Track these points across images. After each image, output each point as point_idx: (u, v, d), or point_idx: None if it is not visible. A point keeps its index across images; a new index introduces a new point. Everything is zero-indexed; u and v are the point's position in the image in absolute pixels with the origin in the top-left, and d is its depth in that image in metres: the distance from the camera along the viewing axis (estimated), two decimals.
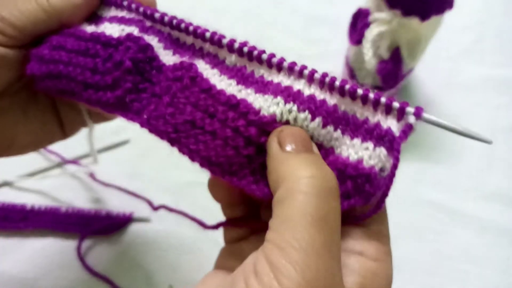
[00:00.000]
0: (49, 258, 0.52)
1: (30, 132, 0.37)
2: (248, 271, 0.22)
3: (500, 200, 0.58)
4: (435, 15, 0.51)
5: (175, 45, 0.32)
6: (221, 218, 0.35)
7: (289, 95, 0.26)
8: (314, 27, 0.71)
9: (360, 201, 0.25)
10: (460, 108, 0.65)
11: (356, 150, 0.26)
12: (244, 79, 0.29)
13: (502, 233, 0.56)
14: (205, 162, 0.28)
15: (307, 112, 0.26)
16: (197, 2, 0.73)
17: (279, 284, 0.20)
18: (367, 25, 0.54)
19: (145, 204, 0.56)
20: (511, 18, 0.73)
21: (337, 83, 0.26)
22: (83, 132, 0.43)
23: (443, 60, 0.69)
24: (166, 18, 0.32)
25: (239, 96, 0.28)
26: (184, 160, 0.28)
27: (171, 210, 0.53)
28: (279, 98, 0.26)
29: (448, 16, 0.54)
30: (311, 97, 0.26)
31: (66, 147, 0.42)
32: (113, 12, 0.34)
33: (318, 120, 0.26)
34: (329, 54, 0.68)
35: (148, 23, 0.33)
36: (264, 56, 0.28)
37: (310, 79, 0.27)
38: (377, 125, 0.26)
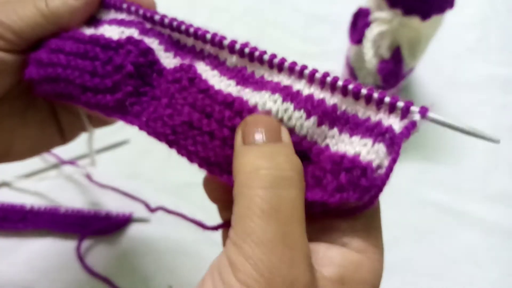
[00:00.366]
0: (48, 259, 0.52)
1: (29, 138, 0.37)
2: (213, 271, 0.22)
3: (506, 201, 0.57)
4: (435, 14, 0.50)
5: (175, 47, 0.32)
6: (220, 218, 0.35)
7: (288, 94, 0.26)
8: (314, 26, 0.71)
9: (354, 196, 0.24)
10: (464, 107, 0.64)
11: (354, 146, 0.25)
12: (244, 79, 0.28)
13: (507, 235, 0.55)
14: (203, 163, 0.28)
15: (302, 110, 0.26)
16: (197, 2, 0.73)
17: (236, 280, 0.21)
18: (367, 24, 0.53)
19: (144, 205, 0.56)
20: None
21: (340, 82, 0.26)
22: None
23: (447, 59, 0.68)
24: (166, 20, 0.31)
25: (236, 95, 0.28)
26: (184, 160, 0.28)
27: (169, 211, 0.53)
28: (277, 96, 0.26)
29: (452, 14, 0.53)
30: (309, 97, 0.26)
31: (65, 147, 0.42)
32: (112, 15, 0.34)
33: (313, 119, 0.26)
34: (329, 53, 0.67)
35: (148, 25, 0.32)
36: (266, 57, 0.28)
37: (311, 79, 0.26)
38: (379, 123, 0.25)
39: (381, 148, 0.24)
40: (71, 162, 0.59)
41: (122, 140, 0.61)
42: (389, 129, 0.24)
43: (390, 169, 0.23)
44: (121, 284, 0.51)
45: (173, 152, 0.29)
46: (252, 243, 0.21)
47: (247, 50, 0.28)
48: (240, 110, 0.26)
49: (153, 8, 0.35)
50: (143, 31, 0.32)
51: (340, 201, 0.24)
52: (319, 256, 0.24)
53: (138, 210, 0.56)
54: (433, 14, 0.50)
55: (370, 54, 0.52)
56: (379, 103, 0.25)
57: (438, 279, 0.53)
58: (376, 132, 0.25)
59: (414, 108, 0.24)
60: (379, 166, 0.24)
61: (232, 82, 0.28)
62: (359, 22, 0.55)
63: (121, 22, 0.33)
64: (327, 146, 0.26)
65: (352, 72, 0.59)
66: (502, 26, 0.71)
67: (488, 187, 0.58)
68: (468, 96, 0.65)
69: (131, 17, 0.33)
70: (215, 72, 0.29)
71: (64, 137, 0.40)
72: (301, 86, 0.26)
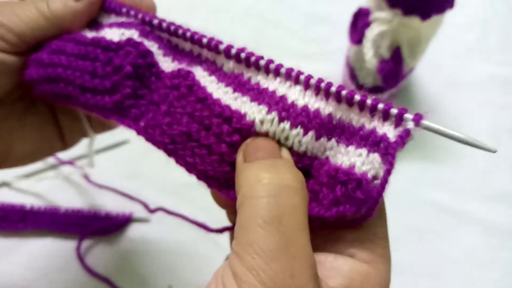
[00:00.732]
0: (48, 259, 0.52)
1: (29, 142, 0.37)
2: (217, 281, 0.22)
3: (505, 201, 0.57)
4: (435, 14, 0.50)
5: (174, 51, 0.32)
6: (221, 218, 0.35)
7: (284, 108, 0.26)
8: (314, 26, 0.71)
9: (351, 209, 0.24)
10: (464, 107, 0.64)
11: (349, 157, 0.25)
12: (241, 86, 0.28)
13: (507, 235, 0.55)
14: (202, 176, 0.28)
15: (299, 127, 0.26)
16: (197, 2, 0.73)
17: None
18: (367, 24, 0.53)
19: (143, 206, 0.56)
20: None
21: (333, 89, 0.26)
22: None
23: (447, 59, 0.68)
24: (164, 25, 0.31)
25: (234, 105, 0.27)
26: None
27: (168, 212, 0.52)
28: (273, 114, 0.26)
29: (452, 14, 0.53)
30: (305, 109, 0.26)
31: None
32: (113, 19, 0.34)
33: (311, 133, 0.26)
34: (329, 53, 0.67)
35: (148, 28, 0.33)
36: (262, 62, 0.28)
37: (306, 85, 0.26)
38: (373, 131, 0.25)
39: (376, 158, 0.24)
40: (70, 162, 0.59)
41: (122, 140, 0.60)
42: (384, 137, 0.24)
43: (385, 180, 0.23)
44: (121, 284, 0.51)
45: None
46: (254, 254, 0.21)
47: (243, 55, 0.28)
48: (239, 127, 0.27)
49: (153, 11, 0.35)
50: (143, 33, 0.32)
51: (337, 215, 0.24)
52: (326, 267, 0.24)
53: (138, 210, 0.56)
54: (433, 14, 0.50)
55: (370, 54, 0.52)
56: (373, 110, 0.25)
57: (438, 279, 0.53)
58: (371, 141, 0.25)
59: (408, 116, 0.24)
60: (374, 177, 0.24)
61: (229, 89, 0.28)
62: (359, 22, 0.55)
63: (121, 24, 0.33)
64: (327, 158, 0.26)
65: (352, 72, 0.59)
66: (502, 26, 0.71)
67: (488, 187, 0.58)
68: (468, 96, 0.65)
69: (131, 19, 0.33)
70: (213, 78, 0.29)
71: (65, 142, 0.40)
72: (296, 95, 0.26)
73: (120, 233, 0.54)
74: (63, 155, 0.59)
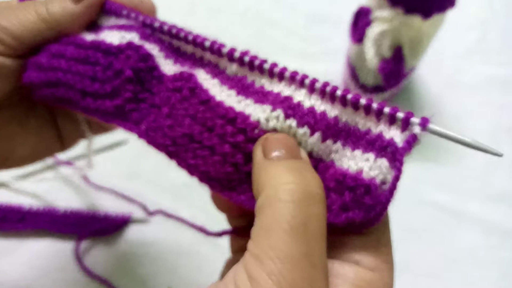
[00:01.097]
0: (46, 260, 0.52)
1: (28, 145, 0.37)
2: (229, 283, 0.22)
3: (506, 201, 0.58)
4: (437, 13, 0.50)
5: (176, 54, 0.32)
6: (220, 219, 0.35)
7: (289, 107, 0.26)
8: (315, 25, 0.71)
9: (360, 214, 0.24)
10: (464, 107, 0.64)
11: (356, 162, 0.25)
12: (245, 89, 0.28)
13: (507, 235, 0.55)
14: (204, 177, 0.27)
15: (306, 127, 0.26)
16: (197, 2, 0.73)
17: None
18: (368, 23, 0.53)
19: (142, 209, 0.55)
20: None
21: (339, 92, 0.25)
22: None
23: (447, 59, 0.68)
24: (165, 27, 0.31)
25: (238, 107, 0.27)
26: None
27: (168, 215, 0.52)
28: (279, 111, 0.26)
29: (452, 15, 0.53)
30: (311, 110, 0.26)
31: None
32: (113, 21, 0.34)
33: (317, 135, 0.26)
34: (330, 52, 0.67)
35: (148, 31, 0.32)
36: (266, 66, 0.27)
37: (311, 89, 0.26)
38: (379, 135, 0.25)
39: (383, 163, 0.24)
40: (68, 162, 0.58)
41: (121, 140, 0.60)
42: (391, 142, 0.24)
43: (393, 186, 0.23)
44: (119, 285, 0.51)
45: None
46: (277, 259, 0.20)
47: (246, 58, 0.28)
48: (243, 127, 0.26)
49: (153, 12, 0.34)
50: (144, 36, 0.32)
51: (346, 221, 0.24)
52: (333, 274, 0.24)
53: (137, 211, 0.55)
54: (434, 13, 0.50)
55: (371, 53, 0.52)
56: (379, 113, 0.25)
57: (437, 279, 0.53)
58: (378, 146, 0.24)
59: (415, 120, 0.24)
60: (383, 182, 0.24)
61: (232, 92, 0.28)
62: (360, 21, 0.55)
63: (121, 27, 0.33)
64: (332, 162, 0.26)
65: (353, 72, 0.59)
66: (502, 27, 0.72)
67: (488, 187, 0.58)
68: (468, 96, 0.65)
69: (132, 22, 0.33)
70: (216, 81, 0.29)
71: (64, 144, 0.40)
72: (302, 97, 0.26)
73: (119, 233, 0.54)
74: (62, 155, 0.58)
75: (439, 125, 0.23)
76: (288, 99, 0.26)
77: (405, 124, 0.24)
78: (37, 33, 0.32)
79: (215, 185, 0.27)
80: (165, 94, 0.29)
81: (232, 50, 0.28)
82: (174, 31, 0.31)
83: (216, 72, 0.29)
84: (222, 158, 0.26)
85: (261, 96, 0.27)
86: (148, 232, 0.54)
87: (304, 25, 0.71)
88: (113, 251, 0.53)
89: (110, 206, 0.56)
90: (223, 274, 0.32)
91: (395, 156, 0.23)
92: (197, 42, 0.30)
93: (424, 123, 0.23)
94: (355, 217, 0.24)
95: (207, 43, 0.29)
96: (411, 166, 0.59)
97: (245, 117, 0.26)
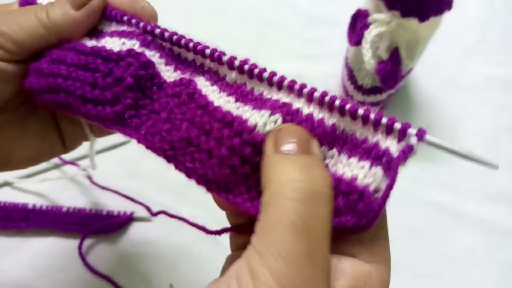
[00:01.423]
0: (50, 258, 0.53)
1: (30, 147, 0.37)
2: (231, 277, 0.22)
3: (505, 201, 0.57)
4: (434, 16, 0.50)
5: (176, 61, 0.32)
6: (222, 218, 0.35)
7: (288, 112, 0.26)
8: (313, 27, 0.71)
9: (352, 220, 0.24)
10: (463, 107, 0.64)
11: (352, 168, 0.25)
12: (244, 96, 0.28)
13: (507, 235, 0.55)
14: (201, 180, 0.28)
15: None
16: (197, 2, 0.73)
17: None
18: (366, 26, 0.53)
19: (145, 209, 0.56)
20: None
21: (337, 102, 0.26)
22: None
23: (447, 59, 0.68)
24: (166, 34, 0.31)
25: (236, 112, 0.27)
26: None
27: (170, 216, 0.53)
28: (277, 116, 0.26)
29: (452, 15, 0.53)
30: (309, 117, 0.26)
31: None
32: (114, 27, 0.34)
33: None
34: (328, 54, 0.67)
35: (149, 37, 0.32)
36: (265, 75, 0.28)
37: (310, 98, 0.26)
38: (376, 145, 0.25)
39: (378, 171, 0.24)
40: (73, 162, 0.59)
41: (124, 140, 0.61)
42: (386, 152, 0.24)
43: (386, 195, 0.23)
44: (122, 282, 0.52)
45: None
46: (279, 257, 0.20)
47: (246, 67, 0.28)
48: (240, 130, 0.26)
49: (154, 19, 0.34)
50: (145, 43, 0.32)
51: (338, 225, 0.24)
52: (332, 269, 0.24)
53: (140, 209, 0.56)
54: (431, 15, 0.50)
55: (368, 55, 0.52)
56: (376, 124, 0.25)
57: (437, 279, 0.53)
58: (374, 154, 0.25)
59: (412, 131, 0.24)
60: (376, 190, 0.24)
61: (231, 99, 0.28)
62: (358, 24, 0.56)
63: (122, 34, 0.33)
64: (326, 166, 0.26)
65: (351, 73, 0.60)
66: (501, 27, 0.71)
67: (488, 187, 0.58)
68: (466, 96, 0.65)
69: (132, 29, 0.33)
70: (215, 87, 0.29)
71: (66, 146, 0.40)
72: (301, 105, 0.26)
73: (122, 232, 0.55)
74: (66, 155, 0.59)
75: (435, 135, 0.24)
76: (287, 105, 0.26)
77: (402, 135, 0.24)
78: (37, 39, 0.32)
79: (213, 187, 0.28)
80: (164, 100, 0.30)
81: (232, 59, 0.28)
82: (175, 38, 0.31)
83: (216, 79, 0.30)
84: (219, 161, 0.27)
85: (260, 103, 0.28)
86: (150, 230, 0.55)
87: (303, 26, 0.71)
88: (116, 249, 0.54)
89: (113, 204, 0.56)
90: (224, 270, 0.32)
91: (390, 165, 0.24)
92: (198, 49, 0.30)
93: (421, 134, 0.24)
94: (347, 222, 0.24)
95: (208, 51, 0.29)
96: (410, 166, 0.58)
97: (242, 121, 0.27)
